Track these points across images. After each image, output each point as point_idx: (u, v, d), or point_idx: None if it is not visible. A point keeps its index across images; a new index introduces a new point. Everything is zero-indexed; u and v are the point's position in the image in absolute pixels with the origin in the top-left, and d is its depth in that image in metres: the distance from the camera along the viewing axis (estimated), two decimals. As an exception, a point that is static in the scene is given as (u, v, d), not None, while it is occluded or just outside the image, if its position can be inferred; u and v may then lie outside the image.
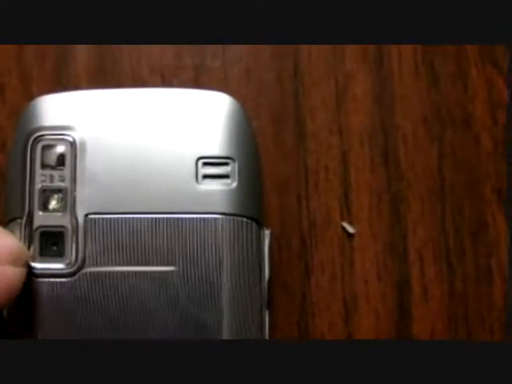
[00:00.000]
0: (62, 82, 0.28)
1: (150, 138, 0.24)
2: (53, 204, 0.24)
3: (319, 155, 0.28)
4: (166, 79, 0.28)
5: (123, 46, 0.28)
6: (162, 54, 0.28)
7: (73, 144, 0.24)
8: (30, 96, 0.27)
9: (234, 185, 0.24)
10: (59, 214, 0.24)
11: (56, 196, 0.24)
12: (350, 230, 0.28)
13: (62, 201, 0.24)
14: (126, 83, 0.28)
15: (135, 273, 0.24)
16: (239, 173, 0.24)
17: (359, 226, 0.28)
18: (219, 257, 0.24)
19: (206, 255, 0.24)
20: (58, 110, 0.25)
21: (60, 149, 0.24)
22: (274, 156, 0.28)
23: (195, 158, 0.24)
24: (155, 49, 0.28)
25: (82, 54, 0.28)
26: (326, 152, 0.28)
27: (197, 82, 0.28)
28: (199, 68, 0.28)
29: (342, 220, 0.28)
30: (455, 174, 0.29)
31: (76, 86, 0.28)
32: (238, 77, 0.28)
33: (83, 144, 0.24)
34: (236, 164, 0.24)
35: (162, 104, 0.25)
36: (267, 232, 0.25)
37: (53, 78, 0.28)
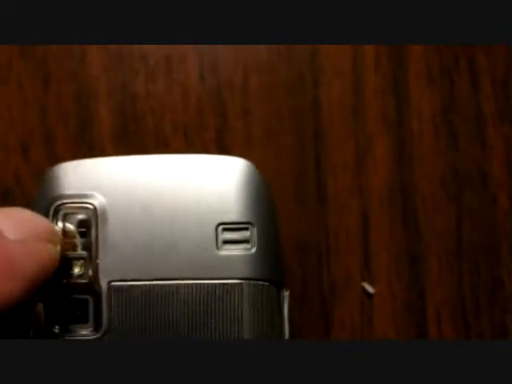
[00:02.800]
0: (86, 142, 0.28)
1: (169, 205, 0.25)
2: (76, 271, 0.25)
3: (339, 216, 0.29)
4: (188, 139, 0.28)
5: (146, 105, 0.28)
6: (186, 112, 0.29)
7: (94, 212, 0.25)
8: (54, 156, 0.28)
9: (254, 250, 0.25)
10: (83, 281, 0.25)
11: (79, 263, 0.25)
12: (370, 290, 0.28)
13: (85, 268, 0.25)
14: (148, 143, 0.28)
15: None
16: (258, 237, 0.25)
17: (379, 286, 0.28)
18: (240, 321, 0.24)
19: (228, 320, 0.24)
20: (79, 177, 0.25)
21: (81, 216, 0.25)
22: (296, 217, 0.28)
23: (215, 224, 0.25)
24: (178, 107, 0.29)
25: (105, 113, 0.28)
26: (347, 213, 0.29)
27: (219, 142, 0.28)
28: (221, 128, 0.29)
29: (362, 280, 0.28)
30: (473, 234, 0.29)
31: (100, 147, 0.28)
32: (259, 137, 0.29)
33: (104, 211, 0.25)
34: (255, 229, 0.25)
35: (181, 170, 0.25)
36: (286, 294, 0.26)
37: (76, 139, 0.28)
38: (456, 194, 0.29)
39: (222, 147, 0.28)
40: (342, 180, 0.29)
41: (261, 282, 0.25)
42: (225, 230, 0.25)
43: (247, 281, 0.24)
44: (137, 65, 0.29)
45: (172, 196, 0.25)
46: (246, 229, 0.25)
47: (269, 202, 0.26)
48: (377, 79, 0.29)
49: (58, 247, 0.23)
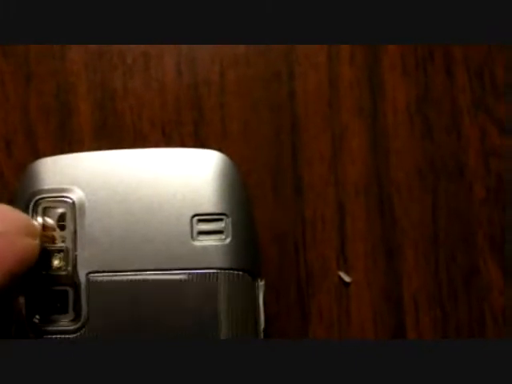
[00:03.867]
0: (66, 138, 0.29)
1: (146, 197, 0.25)
2: (56, 264, 0.25)
3: (316, 206, 0.29)
4: (166, 134, 0.29)
5: (125, 101, 0.29)
6: (163, 107, 0.29)
7: (72, 205, 0.25)
8: (36, 151, 0.28)
9: (228, 240, 0.25)
10: (62, 273, 0.25)
11: (58, 256, 0.25)
12: (347, 279, 0.29)
13: (65, 260, 0.25)
14: (127, 138, 0.29)
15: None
16: (233, 228, 0.25)
17: (355, 274, 0.29)
18: (215, 310, 0.25)
19: (203, 309, 0.25)
20: (58, 172, 0.26)
21: (60, 210, 0.25)
22: (273, 208, 0.29)
23: (190, 216, 0.25)
24: (156, 103, 0.29)
25: (85, 109, 0.29)
26: (323, 203, 0.29)
27: (196, 136, 0.29)
28: (198, 122, 0.29)
29: (339, 269, 0.29)
30: (449, 223, 0.29)
31: (80, 142, 0.29)
32: (236, 131, 0.29)
33: (82, 205, 0.25)
34: (229, 220, 0.25)
35: (157, 164, 0.26)
36: (262, 283, 0.26)
37: (57, 134, 0.29)
38: (432, 184, 0.30)
39: (199, 141, 0.29)
40: (318, 171, 0.29)
41: (236, 272, 0.25)
42: (200, 221, 0.25)
43: (222, 270, 0.25)
44: (115, 62, 0.29)
45: (148, 189, 0.26)
46: (221, 220, 0.25)
47: (243, 193, 0.26)
48: (352, 71, 0.30)
49: (37, 240, 0.24)
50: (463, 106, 0.30)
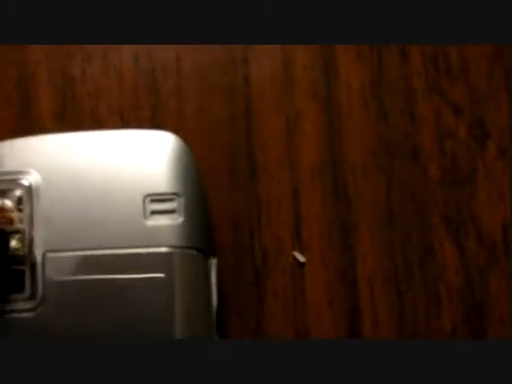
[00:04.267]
0: (27, 124, 0.30)
1: (100, 178, 0.26)
2: (13, 244, 0.26)
3: (270, 188, 0.29)
4: (124, 119, 0.30)
5: (83, 88, 0.30)
6: (121, 93, 0.30)
7: (29, 187, 0.26)
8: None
9: (181, 219, 0.26)
10: (20, 253, 0.26)
11: (16, 237, 0.26)
12: (301, 259, 0.29)
13: (22, 241, 0.26)
14: (86, 123, 0.29)
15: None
16: (185, 207, 0.26)
17: (310, 255, 0.29)
18: (169, 288, 0.25)
19: (157, 287, 0.25)
20: (15, 155, 0.26)
21: (18, 193, 0.26)
22: (228, 191, 0.29)
23: (143, 196, 0.26)
24: (114, 89, 0.30)
25: (45, 96, 0.30)
26: (278, 186, 0.29)
27: (153, 121, 0.30)
28: (155, 107, 0.30)
29: (293, 250, 0.29)
30: (403, 204, 0.30)
31: (40, 128, 0.29)
32: (192, 114, 0.30)
33: (39, 187, 0.26)
34: (182, 199, 0.26)
35: (111, 145, 0.27)
36: (214, 261, 0.27)
37: (18, 122, 0.30)
38: (386, 166, 0.30)
39: (156, 125, 0.30)
40: (272, 154, 0.30)
41: (188, 250, 0.26)
42: (152, 201, 0.26)
43: (175, 249, 0.25)
44: (74, 49, 0.30)
45: (103, 170, 0.26)
46: (173, 199, 0.26)
47: (195, 174, 0.27)
48: (306, 55, 0.30)
49: None
50: (418, 89, 0.30)
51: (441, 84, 0.30)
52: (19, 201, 0.26)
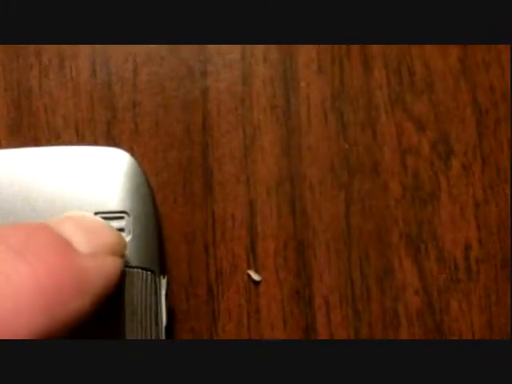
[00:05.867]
0: (-18, 136, 0.30)
1: (50, 195, 0.26)
2: None
3: (226, 204, 0.29)
4: (79, 132, 0.29)
5: (39, 101, 0.29)
6: (77, 106, 0.30)
7: None
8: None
9: (129, 238, 0.25)
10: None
11: None
12: (256, 277, 0.29)
13: None
14: (41, 137, 0.29)
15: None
16: (133, 226, 0.26)
17: (265, 273, 0.29)
18: (117, 307, 0.25)
19: (104, 307, 0.25)
20: None
21: None
22: (183, 206, 0.29)
23: (93, 213, 0.25)
24: (70, 102, 0.30)
25: (0, 108, 0.30)
26: (233, 201, 0.29)
27: (108, 135, 0.29)
28: (111, 121, 0.29)
29: (249, 268, 0.29)
30: (362, 221, 0.29)
31: (-6, 141, 0.29)
32: (147, 129, 0.29)
33: None
34: (131, 218, 0.26)
35: (61, 162, 0.26)
36: (163, 281, 0.26)
37: (-28, 133, 0.30)
38: (346, 182, 0.29)
39: (111, 140, 0.29)
40: (228, 169, 0.29)
41: (136, 269, 0.25)
42: (102, 218, 0.26)
43: (123, 268, 0.25)
44: (32, 61, 0.30)
45: (52, 187, 0.26)
46: (122, 218, 0.26)
47: (145, 192, 0.27)
48: (265, 69, 0.30)
49: (124, 259, 0.23)
50: (380, 103, 0.30)
51: (404, 98, 0.30)
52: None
